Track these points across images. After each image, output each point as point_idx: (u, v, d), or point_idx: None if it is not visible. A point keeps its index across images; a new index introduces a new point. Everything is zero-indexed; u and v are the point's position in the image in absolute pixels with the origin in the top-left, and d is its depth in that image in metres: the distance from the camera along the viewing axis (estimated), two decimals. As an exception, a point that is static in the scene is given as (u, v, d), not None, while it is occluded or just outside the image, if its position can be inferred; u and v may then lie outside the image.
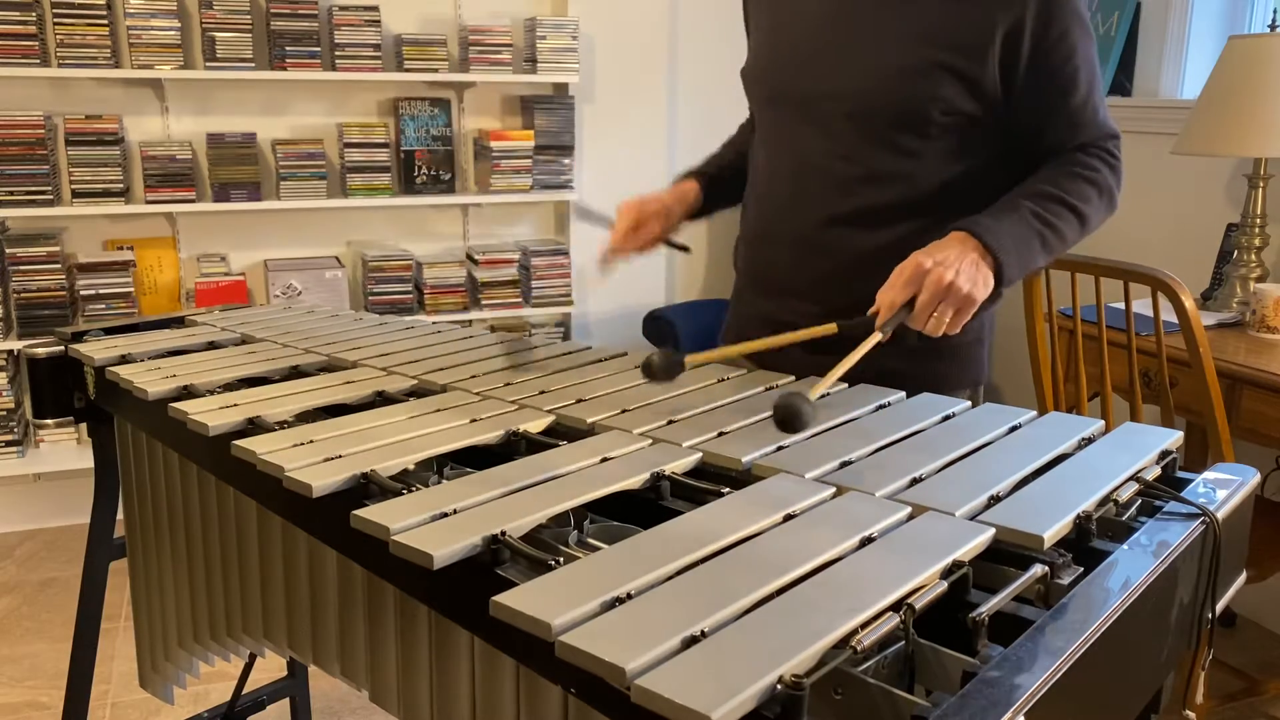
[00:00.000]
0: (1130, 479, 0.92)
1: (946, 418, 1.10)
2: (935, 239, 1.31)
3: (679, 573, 0.74)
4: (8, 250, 2.98)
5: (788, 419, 0.99)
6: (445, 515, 0.85)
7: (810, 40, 1.34)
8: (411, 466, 0.99)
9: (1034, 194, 1.25)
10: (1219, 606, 0.91)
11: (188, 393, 1.26)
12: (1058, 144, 1.29)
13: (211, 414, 1.14)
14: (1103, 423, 1.06)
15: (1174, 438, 1.02)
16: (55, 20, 2.90)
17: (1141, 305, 2.33)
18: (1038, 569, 0.75)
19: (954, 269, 1.13)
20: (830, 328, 1.15)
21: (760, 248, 1.44)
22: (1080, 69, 1.26)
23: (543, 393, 1.20)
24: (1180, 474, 0.99)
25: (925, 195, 1.30)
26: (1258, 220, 2.39)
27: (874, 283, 1.30)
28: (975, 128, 1.28)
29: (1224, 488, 0.94)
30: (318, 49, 3.14)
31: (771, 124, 1.41)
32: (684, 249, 1.53)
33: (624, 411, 1.13)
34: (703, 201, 1.51)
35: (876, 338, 1.10)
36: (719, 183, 1.52)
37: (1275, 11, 2.72)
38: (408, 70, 3.25)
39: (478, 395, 1.21)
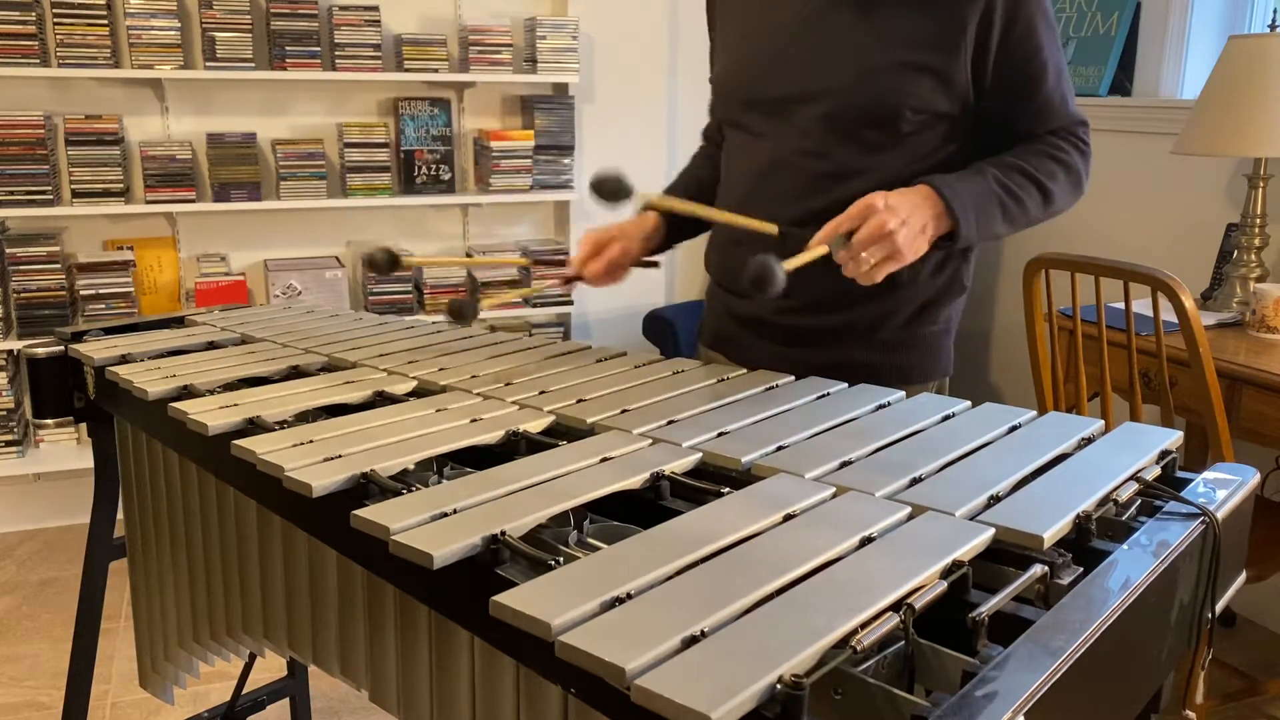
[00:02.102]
0: (1130, 479, 0.92)
1: (946, 418, 1.10)
2: (932, 252, 1.33)
3: (679, 573, 0.74)
4: (8, 250, 2.98)
5: (762, 278, 1.08)
6: (445, 515, 0.85)
7: (784, 46, 1.35)
8: (411, 466, 0.99)
9: (1001, 164, 1.28)
10: (1219, 606, 0.91)
11: (187, 393, 1.26)
12: (1028, 133, 1.32)
13: (211, 414, 1.14)
14: (1102, 423, 1.06)
15: (1174, 438, 1.02)
16: (55, 20, 2.90)
17: (1141, 305, 2.33)
18: (1038, 569, 0.75)
19: (899, 219, 1.15)
20: (771, 228, 1.22)
21: (732, 250, 1.44)
22: (1047, 61, 1.29)
23: (543, 393, 1.20)
24: (1180, 474, 0.99)
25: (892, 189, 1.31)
26: (1258, 220, 2.39)
27: (845, 278, 1.32)
28: (944, 124, 1.30)
29: (1224, 488, 0.94)
30: (318, 49, 3.14)
31: (744, 130, 1.41)
32: (653, 265, 1.51)
33: (624, 411, 1.13)
34: (664, 232, 1.48)
35: (823, 250, 1.17)
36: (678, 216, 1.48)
37: (1275, 11, 2.72)
38: (408, 70, 3.25)
39: (478, 395, 1.21)
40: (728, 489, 0.91)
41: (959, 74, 1.27)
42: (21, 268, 2.98)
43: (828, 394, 1.19)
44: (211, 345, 1.53)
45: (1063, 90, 1.32)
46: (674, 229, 1.50)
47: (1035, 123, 1.32)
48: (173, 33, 3.00)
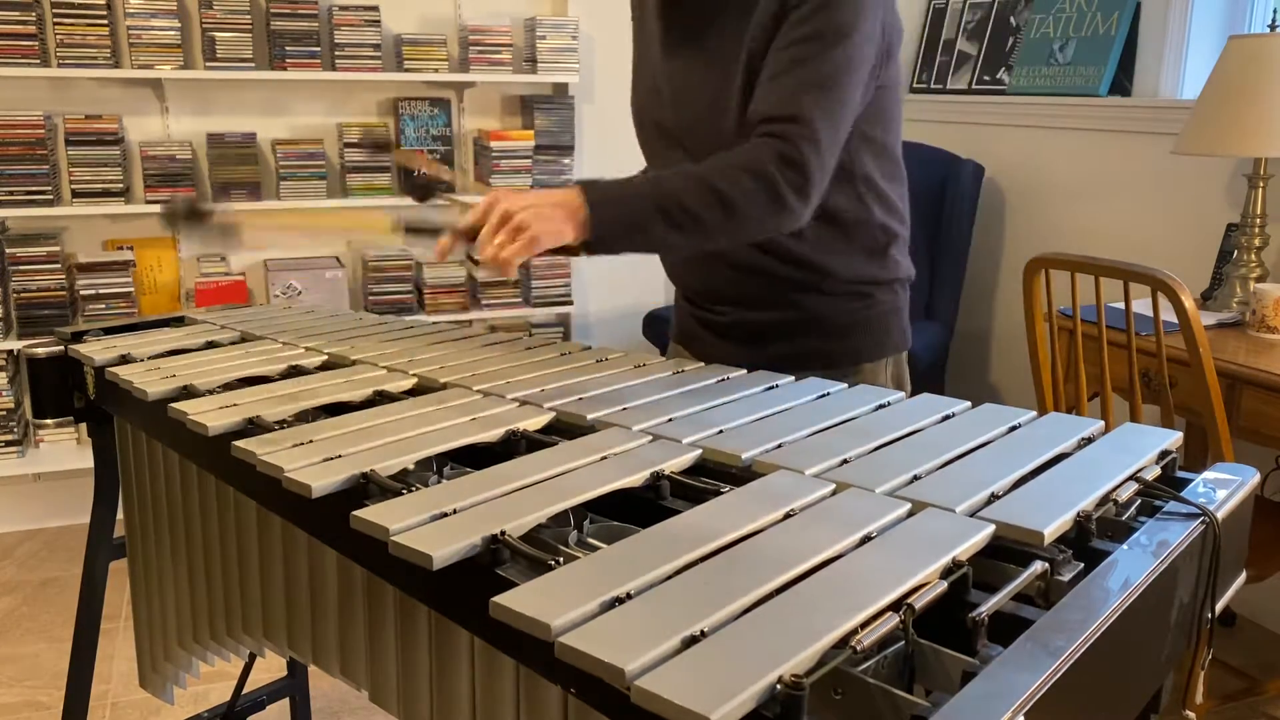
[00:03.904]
0: (1130, 479, 0.92)
1: (946, 417, 1.10)
2: (852, 244, 1.38)
3: (679, 572, 0.74)
4: (8, 250, 2.98)
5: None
6: (445, 515, 0.85)
7: (658, 78, 1.40)
8: (411, 466, 0.99)
9: (679, 174, 1.22)
10: (1219, 606, 0.91)
11: (187, 393, 1.26)
12: (753, 115, 1.25)
13: (211, 414, 1.14)
14: (1102, 423, 1.06)
15: (1174, 438, 1.02)
16: (55, 20, 2.90)
17: (1141, 305, 2.33)
18: (1038, 566, 0.75)
19: (523, 204, 1.16)
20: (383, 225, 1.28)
21: (688, 266, 1.50)
22: (802, 49, 1.22)
23: (543, 391, 1.20)
24: (1180, 474, 0.99)
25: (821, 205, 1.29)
26: (1258, 220, 2.39)
27: (806, 291, 1.39)
28: None
29: (1224, 488, 0.94)
30: (318, 49, 3.14)
31: (663, 153, 1.45)
32: (573, 252, 1.47)
33: (624, 409, 1.13)
34: None
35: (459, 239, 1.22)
36: None
37: (1275, 11, 2.72)
38: (408, 70, 3.25)
39: (478, 393, 1.21)
40: (727, 487, 0.91)
41: None
42: (21, 268, 2.98)
43: (827, 393, 1.19)
44: (211, 345, 1.53)
45: (802, 80, 1.21)
46: None
47: (760, 103, 1.24)
48: (173, 33, 3.00)
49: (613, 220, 1.18)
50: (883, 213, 1.39)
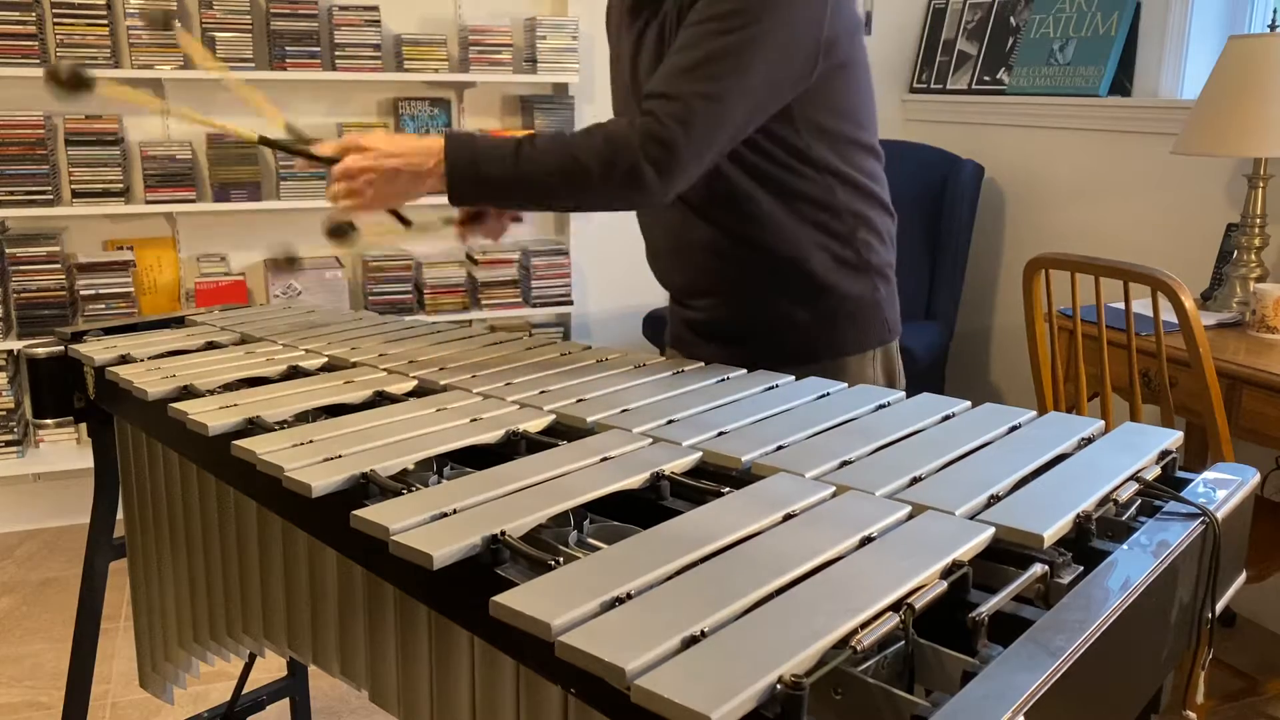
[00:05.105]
0: (1130, 479, 0.92)
1: (946, 418, 1.10)
2: (819, 228, 1.36)
3: (679, 573, 0.74)
4: (8, 250, 2.98)
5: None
6: (445, 515, 0.85)
7: (625, 75, 1.43)
8: (411, 466, 0.99)
9: (549, 141, 1.22)
10: (1219, 606, 0.91)
11: (187, 393, 1.26)
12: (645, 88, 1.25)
13: (211, 414, 1.14)
14: (1102, 423, 1.06)
15: (1174, 438, 1.02)
16: (55, 20, 2.90)
17: (1141, 305, 2.33)
18: (1038, 568, 0.75)
19: (370, 164, 1.22)
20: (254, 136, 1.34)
21: (657, 259, 1.52)
22: (687, 41, 1.21)
23: (543, 392, 1.20)
24: (1180, 474, 0.99)
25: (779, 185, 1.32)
26: (1258, 220, 2.39)
27: (778, 281, 1.38)
28: (765, 137, 1.30)
29: (1224, 488, 0.94)
30: (318, 49, 3.14)
31: None
32: (406, 222, 1.57)
33: (624, 411, 1.13)
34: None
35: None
36: None
37: (1275, 11, 2.72)
38: (408, 70, 3.25)
39: (478, 395, 1.21)
40: (728, 488, 0.91)
41: None
42: (21, 268, 2.98)
43: (828, 394, 1.19)
44: (211, 345, 1.53)
45: (691, 60, 1.19)
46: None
47: (650, 79, 1.24)
48: (173, 33, 3.00)
49: (467, 186, 1.22)
50: (848, 196, 1.36)
